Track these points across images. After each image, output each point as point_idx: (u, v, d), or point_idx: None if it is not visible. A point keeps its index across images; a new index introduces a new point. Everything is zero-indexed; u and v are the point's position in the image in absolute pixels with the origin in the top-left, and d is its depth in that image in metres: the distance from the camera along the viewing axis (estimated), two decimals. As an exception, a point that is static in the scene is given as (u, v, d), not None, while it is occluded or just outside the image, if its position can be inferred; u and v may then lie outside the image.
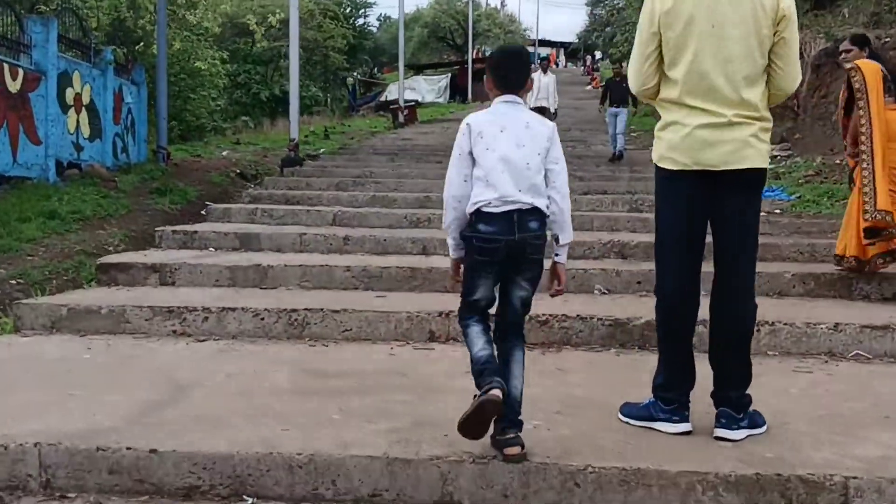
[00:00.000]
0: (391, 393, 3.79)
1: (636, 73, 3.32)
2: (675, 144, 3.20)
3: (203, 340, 4.88)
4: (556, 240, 3.10)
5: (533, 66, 5.24)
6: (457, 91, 38.49)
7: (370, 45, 44.42)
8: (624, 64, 12.54)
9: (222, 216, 8.63)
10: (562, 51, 79.03)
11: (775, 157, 11.83)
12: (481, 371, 2.87)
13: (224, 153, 14.49)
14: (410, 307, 5.08)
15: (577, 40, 52.74)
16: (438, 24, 47.79)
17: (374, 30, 48.12)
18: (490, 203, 2.91)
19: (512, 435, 2.91)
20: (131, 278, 6.07)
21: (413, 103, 27.85)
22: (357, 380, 4.04)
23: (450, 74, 40.07)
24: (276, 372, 4.17)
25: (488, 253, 2.95)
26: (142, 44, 14.79)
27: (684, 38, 3.15)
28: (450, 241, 3.10)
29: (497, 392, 2.78)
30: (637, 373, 3.96)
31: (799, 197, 9.12)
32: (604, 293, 5.82)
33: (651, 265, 3.57)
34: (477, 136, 2.96)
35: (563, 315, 4.86)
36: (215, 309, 5.06)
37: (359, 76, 40.50)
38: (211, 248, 7.16)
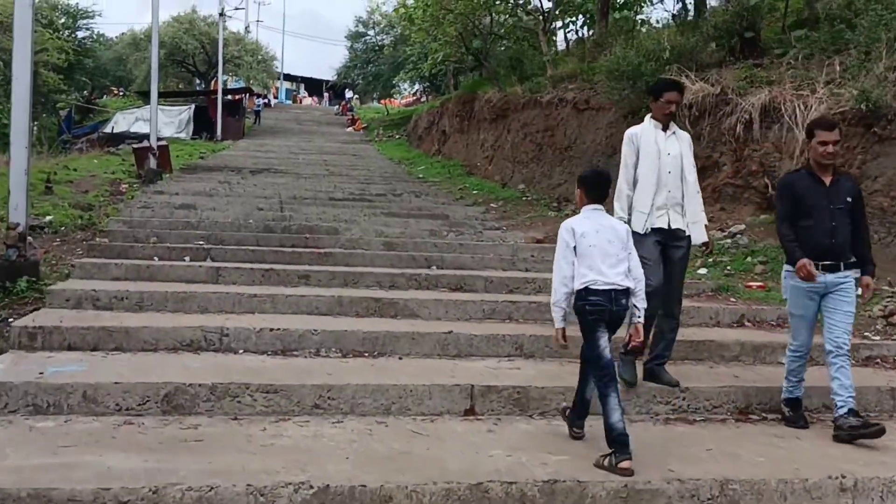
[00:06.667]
0: None
1: None
2: None
3: None
4: (636, 307, 4.33)
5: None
6: (203, 126, 32.03)
7: (90, 64, 36.35)
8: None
9: None
10: (302, 85, 74.26)
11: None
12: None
13: None
14: None
15: (336, 76, 48.11)
16: (178, 45, 40.44)
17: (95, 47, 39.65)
18: (596, 283, 4.16)
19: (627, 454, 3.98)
20: None
21: (164, 143, 21.32)
22: None
23: (193, 105, 33.56)
24: None
25: (598, 314, 4.16)
26: None
27: None
28: (557, 313, 4.27)
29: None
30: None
31: None
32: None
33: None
34: (580, 237, 4.23)
35: None
36: None
37: (76, 101, 32.77)
38: None
